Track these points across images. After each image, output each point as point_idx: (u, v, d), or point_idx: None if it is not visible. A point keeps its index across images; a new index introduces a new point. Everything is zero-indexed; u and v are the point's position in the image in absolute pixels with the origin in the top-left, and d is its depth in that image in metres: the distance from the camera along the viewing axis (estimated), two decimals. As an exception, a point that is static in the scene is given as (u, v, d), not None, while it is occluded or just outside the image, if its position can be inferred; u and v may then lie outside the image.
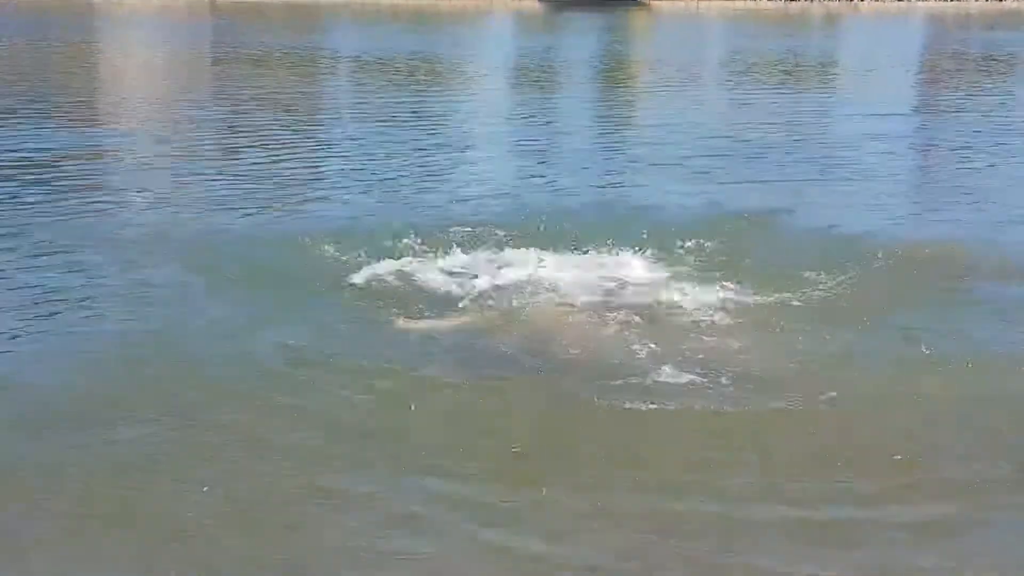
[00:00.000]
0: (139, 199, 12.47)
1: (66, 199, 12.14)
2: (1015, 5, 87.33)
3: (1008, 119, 21.58)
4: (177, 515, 5.45)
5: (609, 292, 8.71)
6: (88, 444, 6.20)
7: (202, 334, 8.01)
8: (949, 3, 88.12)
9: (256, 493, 5.69)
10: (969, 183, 14.59)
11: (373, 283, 9.06)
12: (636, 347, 7.80)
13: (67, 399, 6.82)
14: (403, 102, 22.12)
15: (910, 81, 30.08)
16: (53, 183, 13.05)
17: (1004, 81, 30.02)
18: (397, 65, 29.87)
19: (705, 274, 9.22)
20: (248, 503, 5.61)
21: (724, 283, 8.98)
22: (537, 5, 75.20)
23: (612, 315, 8.27)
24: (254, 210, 11.88)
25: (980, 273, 9.80)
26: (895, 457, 6.15)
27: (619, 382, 7.13)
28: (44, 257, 9.85)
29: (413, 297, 8.75)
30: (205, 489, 5.68)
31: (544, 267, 9.01)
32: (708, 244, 9.93)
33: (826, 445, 6.35)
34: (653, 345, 7.83)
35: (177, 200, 12.51)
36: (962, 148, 17.46)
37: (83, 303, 8.62)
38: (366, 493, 5.74)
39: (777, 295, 8.80)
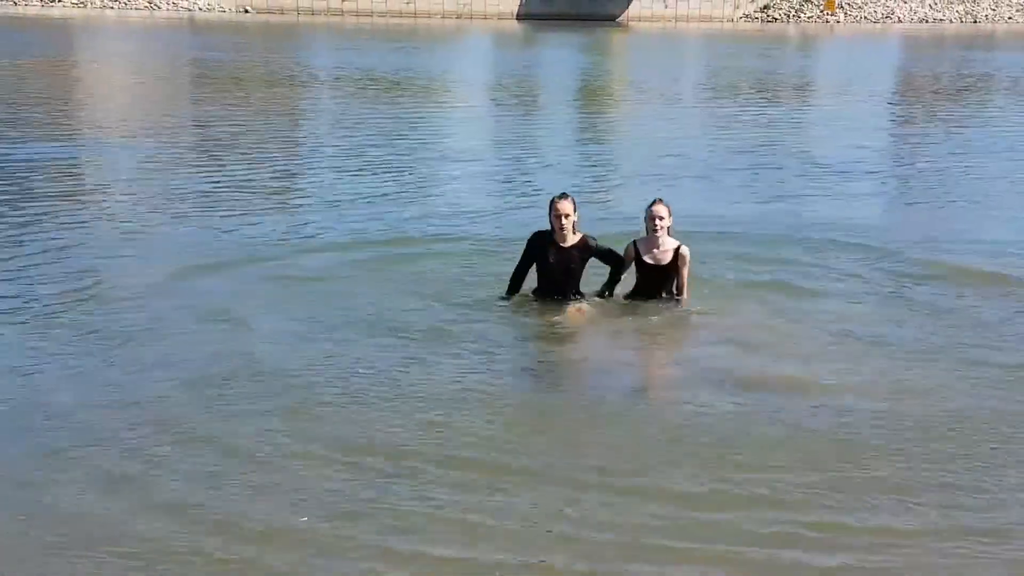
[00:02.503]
0: (114, 211, 12.43)
1: (39, 209, 12.11)
2: (990, 27, 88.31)
3: (986, 137, 21.76)
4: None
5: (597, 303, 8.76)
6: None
7: (187, 334, 8.09)
8: (924, 24, 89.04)
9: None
10: (945, 195, 14.71)
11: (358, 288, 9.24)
12: (625, 353, 7.96)
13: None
14: (380, 118, 22.13)
15: (884, 100, 30.30)
16: (31, 194, 13.03)
17: (979, 101, 30.28)
18: (374, 82, 29.89)
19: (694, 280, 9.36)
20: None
21: (708, 290, 9.22)
22: (516, 24, 75.57)
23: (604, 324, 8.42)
24: (235, 220, 11.89)
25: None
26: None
27: (608, 386, 7.25)
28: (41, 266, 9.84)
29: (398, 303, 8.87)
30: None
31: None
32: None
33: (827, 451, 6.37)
34: (644, 351, 7.98)
35: (156, 212, 12.45)
36: (935, 165, 17.60)
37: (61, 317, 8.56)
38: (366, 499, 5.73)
39: (768, 301, 9.05)
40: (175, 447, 6.27)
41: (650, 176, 15.54)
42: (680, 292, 8.69)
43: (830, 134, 21.77)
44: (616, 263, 8.66)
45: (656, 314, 8.59)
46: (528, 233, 8.65)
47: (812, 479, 5.97)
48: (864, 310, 9.16)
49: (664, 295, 8.70)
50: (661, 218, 8.47)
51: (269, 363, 7.56)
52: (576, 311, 8.48)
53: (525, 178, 15.45)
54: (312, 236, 11.42)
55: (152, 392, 7.05)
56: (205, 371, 7.40)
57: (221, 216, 12.18)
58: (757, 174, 16.17)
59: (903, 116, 26.38)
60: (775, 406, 6.97)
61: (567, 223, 8.30)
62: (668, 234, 8.57)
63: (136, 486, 5.82)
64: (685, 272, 8.64)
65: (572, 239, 8.37)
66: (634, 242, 8.67)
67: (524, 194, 14.00)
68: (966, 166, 17.65)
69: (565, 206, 8.29)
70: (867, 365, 7.82)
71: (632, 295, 8.78)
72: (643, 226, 8.68)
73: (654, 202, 8.64)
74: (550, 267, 8.37)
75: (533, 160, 17.23)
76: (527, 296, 8.66)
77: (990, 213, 13.81)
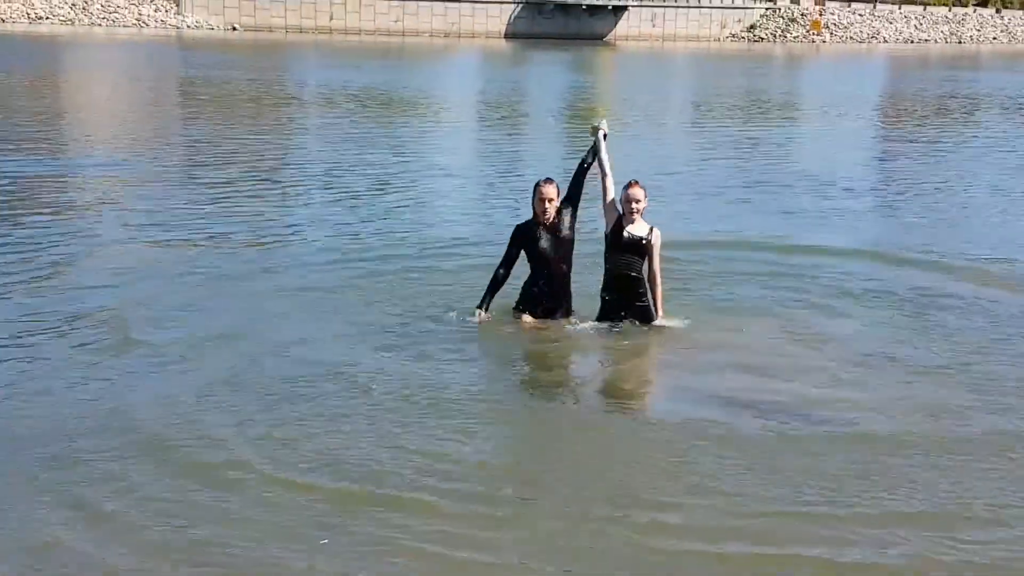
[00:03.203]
0: (104, 227, 12.40)
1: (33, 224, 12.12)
2: (975, 47, 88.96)
3: (979, 154, 21.92)
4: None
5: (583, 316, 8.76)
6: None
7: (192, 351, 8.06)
8: (910, 44, 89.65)
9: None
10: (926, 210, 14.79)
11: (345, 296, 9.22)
12: (614, 365, 7.97)
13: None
14: (369, 136, 22.19)
15: (872, 119, 30.48)
16: (18, 208, 13.04)
17: (965, 118, 30.51)
18: (364, 99, 29.99)
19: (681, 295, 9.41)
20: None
21: (698, 306, 9.28)
22: (503, 42, 75.84)
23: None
24: (224, 234, 11.89)
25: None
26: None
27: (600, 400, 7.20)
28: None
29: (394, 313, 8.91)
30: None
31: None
32: (674, 267, 10.07)
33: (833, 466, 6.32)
34: (632, 364, 7.99)
35: (142, 227, 12.45)
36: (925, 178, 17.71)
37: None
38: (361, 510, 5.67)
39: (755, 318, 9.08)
40: (148, 473, 6.02)
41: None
42: (653, 280, 8.47)
43: (819, 151, 21.91)
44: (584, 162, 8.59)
45: (644, 331, 8.48)
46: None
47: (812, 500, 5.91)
48: (865, 327, 9.08)
49: (636, 280, 8.37)
50: (637, 200, 8.37)
51: (248, 382, 7.42)
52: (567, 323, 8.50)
53: (512, 193, 15.49)
54: (298, 251, 11.39)
55: (126, 413, 6.84)
56: (178, 392, 7.20)
57: (207, 232, 12.13)
58: (746, 190, 16.24)
59: (891, 134, 26.54)
60: (770, 425, 6.89)
61: (551, 207, 8.35)
62: (642, 217, 8.42)
63: (108, 515, 5.57)
64: (657, 256, 8.47)
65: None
66: (619, 216, 8.46)
67: (512, 208, 14.04)
68: (960, 181, 17.77)
69: (549, 190, 8.36)
70: (875, 383, 7.71)
71: (606, 288, 8.51)
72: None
73: (629, 184, 8.47)
74: (541, 250, 8.39)
75: (520, 175, 17.28)
76: (512, 308, 8.64)
77: (983, 226, 13.91)
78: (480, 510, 5.69)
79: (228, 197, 14.37)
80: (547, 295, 8.54)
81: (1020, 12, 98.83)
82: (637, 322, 8.49)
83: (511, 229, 8.73)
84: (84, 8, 69.86)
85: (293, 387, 7.33)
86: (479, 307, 8.63)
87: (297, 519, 5.55)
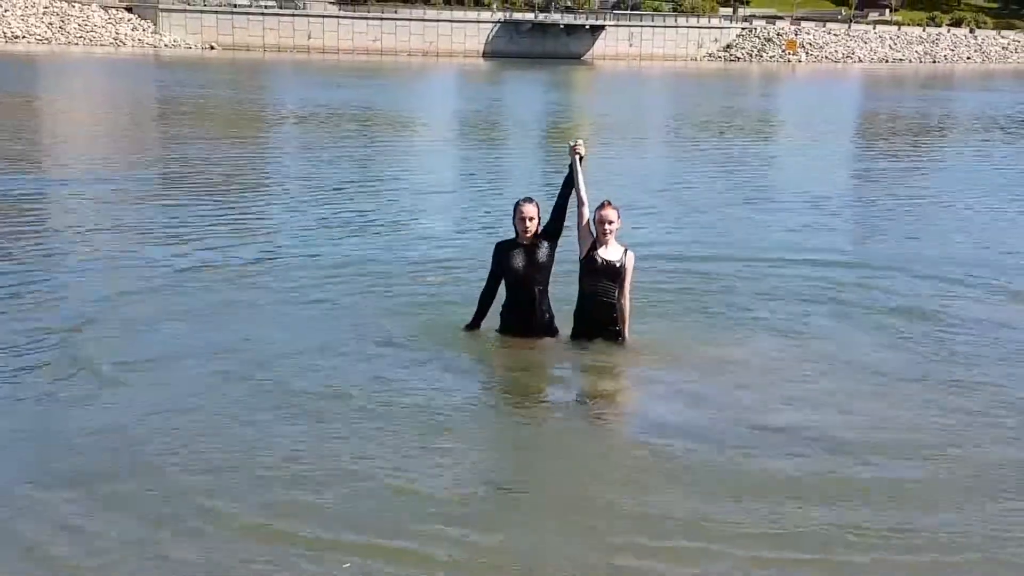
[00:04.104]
0: (83, 242, 12.32)
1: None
2: (949, 67, 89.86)
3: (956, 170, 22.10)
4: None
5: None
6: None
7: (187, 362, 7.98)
8: (884, 64, 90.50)
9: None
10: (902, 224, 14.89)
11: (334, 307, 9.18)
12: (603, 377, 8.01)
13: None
14: (350, 153, 22.18)
15: (846, 137, 30.71)
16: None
17: (937, 137, 30.77)
18: (341, 117, 30.00)
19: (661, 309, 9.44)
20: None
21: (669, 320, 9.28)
22: (482, 61, 76.14)
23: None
24: (206, 247, 11.84)
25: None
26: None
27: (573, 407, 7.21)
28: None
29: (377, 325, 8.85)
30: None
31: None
32: (648, 283, 10.10)
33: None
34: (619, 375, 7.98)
35: (121, 245, 12.38)
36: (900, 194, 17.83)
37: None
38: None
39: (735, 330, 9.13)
40: (105, 510, 5.69)
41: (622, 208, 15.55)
42: (622, 302, 8.42)
43: (799, 168, 22.03)
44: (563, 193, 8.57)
45: (616, 349, 8.46)
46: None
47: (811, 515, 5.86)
48: (845, 340, 9.10)
49: (610, 307, 8.33)
50: (611, 222, 8.27)
51: (214, 408, 7.16)
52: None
53: (488, 208, 15.50)
54: (274, 268, 11.25)
55: (89, 439, 6.58)
56: (124, 419, 6.89)
57: (181, 250, 12.04)
58: (723, 206, 16.31)
59: (867, 151, 26.74)
60: (743, 440, 6.86)
61: (531, 225, 8.36)
62: (616, 239, 8.38)
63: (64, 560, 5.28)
64: (629, 279, 8.44)
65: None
66: (593, 240, 8.43)
67: (487, 226, 14.05)
68: (945, 197, 17.90)
69: (529, 209, 8.36)
70: (848, 393, 7.73)
71: (578, 313, 8.49)
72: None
73: (602, 205, 8.34)
74: (516, 268, 8.40)
75: (498, 192, 17.30)
76: (494, 329, 8.63)
77: (958, 239, 14.00)
78: (451, 532, 5.59)
79: (203, 215, 14.26)
80: (516, 314, 8.54)
81: (993, 32, 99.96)
82: (608, 341, 8.47)
83: (492, 246, 8.73)
84: (61, 27, 69.81)
85: (259, 406, 7.20)
86: (468, 327, 8.65)
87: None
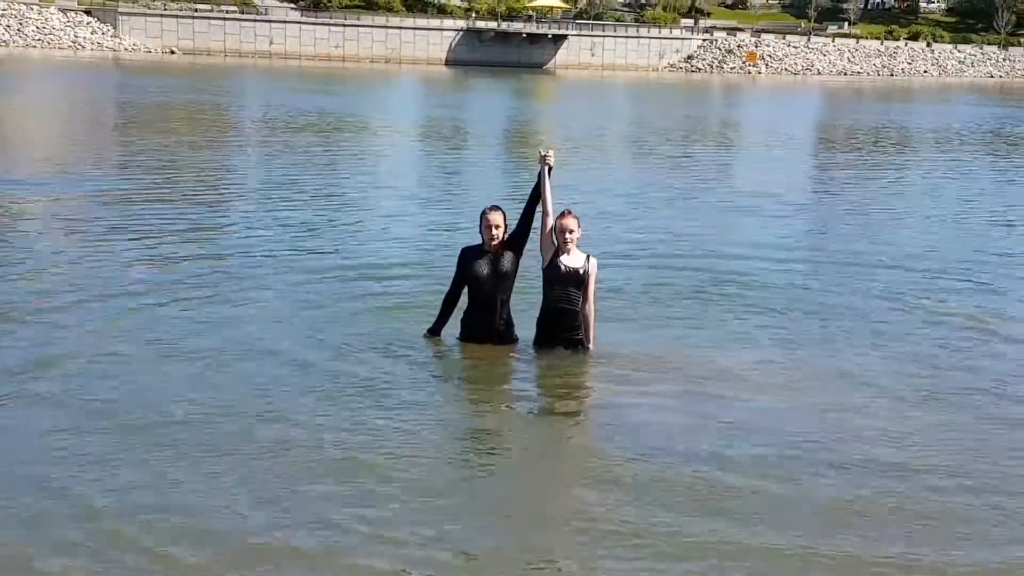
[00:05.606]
0: (40, 249, 12.17)
1: None
2: (906, 80, 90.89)
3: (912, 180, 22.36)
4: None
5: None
6: None
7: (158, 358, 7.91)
8: (843, 76, 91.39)
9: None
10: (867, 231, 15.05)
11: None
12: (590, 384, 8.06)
13: None
14: (308, 159, 22.10)
15: (804, 146, 30.97)
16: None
17: (893, 149, 31.11)
18: (303, 123, 29.88)
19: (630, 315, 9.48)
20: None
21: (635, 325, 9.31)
22: (444, 68, 76.09)
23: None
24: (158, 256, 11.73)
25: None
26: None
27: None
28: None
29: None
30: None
31: None
32: (611, 289, 10.14)
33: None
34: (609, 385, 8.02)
35: (83, 250, 12.24)
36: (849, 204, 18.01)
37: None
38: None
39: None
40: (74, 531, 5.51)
41: (584, 213, 15.58)
42: (587, 308, 8.42)
43: (760, 175, 22.20)
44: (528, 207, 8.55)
45: (579, 356, 8.46)
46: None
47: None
48: (813, 342, 9.21)
49: (573, 314, 8.33)
50: (571, 231, 8.29)
51: (184, 416, 7.06)
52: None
53: (452, 213, 15.48)
54: (227, 274, 11.05)
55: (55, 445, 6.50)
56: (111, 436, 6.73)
57: (137, 255, 11.89)
58: (689, 211, 16.40)
59: (824, 161, 26.99)
60: (715, 445, 6.87)
61: (497, 233, 8.36)
62: (577, 247, 8.39)
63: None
64: (592, 285, 8.45)
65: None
66: (556, 249, 8.43)
67: (450, 229, 14.04)
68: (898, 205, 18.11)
69: (496, 217, 8.36)
70: (825, 397, 7.88)
71: (541, 321, 8.49)
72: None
73: (562, 214, 8.37)
74: (478, 275, 8.39)
75: (464, 198, 17.30)
76: (454, 336, 8.61)
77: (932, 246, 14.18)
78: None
79: (161, 221, 14.10)
80: (477, 321, 8.53)
81: (950, 46, 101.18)
82: (570, 350, 8.47)
83: (457, 251, 8.73)
84: (19, 30, 68.96)
85: (239, 430, 6.99)
86: (430, 331, 8.64)
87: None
